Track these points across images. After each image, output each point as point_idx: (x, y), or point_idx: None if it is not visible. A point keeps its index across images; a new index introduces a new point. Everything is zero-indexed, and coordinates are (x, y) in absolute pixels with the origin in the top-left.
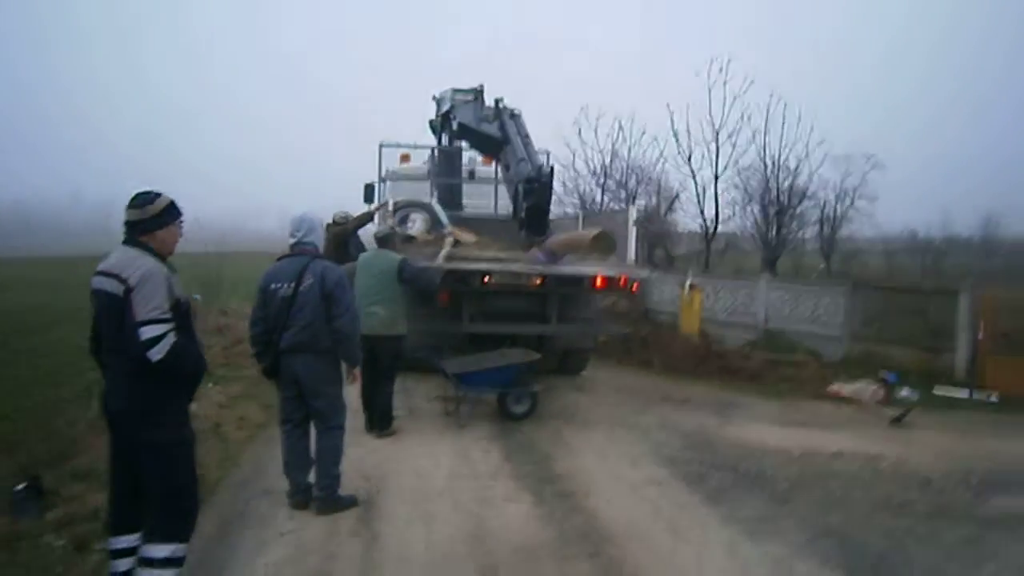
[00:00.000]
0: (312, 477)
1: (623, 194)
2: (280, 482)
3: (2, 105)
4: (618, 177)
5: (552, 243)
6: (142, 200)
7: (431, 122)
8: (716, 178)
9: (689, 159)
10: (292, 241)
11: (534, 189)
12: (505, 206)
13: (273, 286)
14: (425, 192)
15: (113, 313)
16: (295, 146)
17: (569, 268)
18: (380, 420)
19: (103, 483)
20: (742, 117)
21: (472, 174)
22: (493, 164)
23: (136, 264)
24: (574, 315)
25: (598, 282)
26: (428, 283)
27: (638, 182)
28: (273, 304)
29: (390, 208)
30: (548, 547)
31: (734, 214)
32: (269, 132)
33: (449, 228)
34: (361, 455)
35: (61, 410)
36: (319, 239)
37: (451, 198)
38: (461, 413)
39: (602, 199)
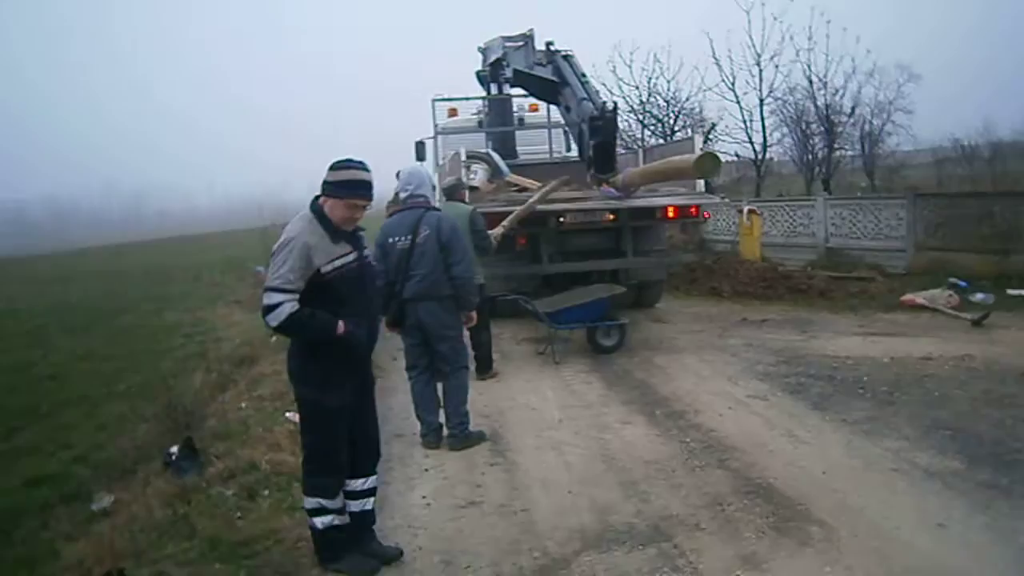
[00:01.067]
0: (442, 417)
1: (662, 128)
2: (407, 425)
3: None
4: (656, 112)
5: (628, 176)
6: (336, 163)
7: (478, 73)
8: (761, 102)
9: (733, 85)
10: (404, 195)
11: (599, 127)
12: (559, 150)
13: (391, 240)
14: (477, 144)
15: None
16: (341, 113)
17: (642, 201)
18: (480, 364)
19: (243, 440)
20: (783, 39)
21: (521, 121)
22: (541, 110)
23: (288, 228)
24: (647, 247)
25: (670, 212)
26: (487, 245)
27: (677, 114)
28: (392, 257)
29: (462, 158)
30: (676, 459)
31: (778, 138)
32: (314, 95)
33: (509, 175)
34: (472, 397)
35: (172, 384)
36: (430, 192)
37: (505, 147)
38: (554, 351)
39: (642, 134)
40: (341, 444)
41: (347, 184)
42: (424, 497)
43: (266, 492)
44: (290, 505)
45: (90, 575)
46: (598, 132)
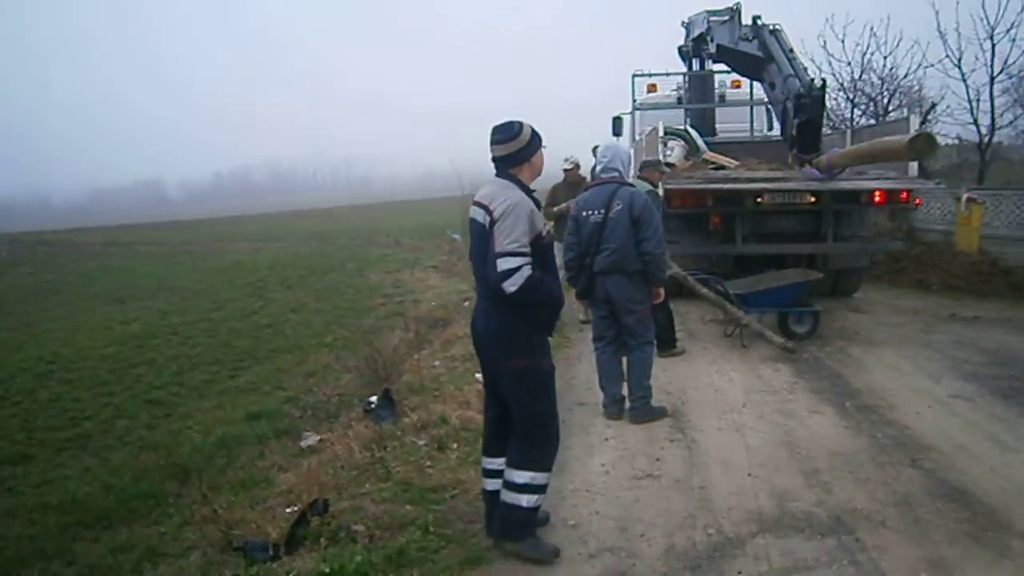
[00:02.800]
0: (624, 390)
1: (873, 108)
2: (589, 395)
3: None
4: (869, 90)
5: (833, 157)
6: (506, 134)
7: (680, 48)
8: (992, 80)
9: (959, 61)
10: (599, 169)
11: (805, 105)
12: (759, 128)
13: (585, 213)
14: (675, 120)
15: (480, 241)
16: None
17: (847, 183)
18: (662, 341)
19: (435, 396)
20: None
21: (722, 98)
22: (743, 86)
23: (503, 196)
24: (849, 233)
25: (877, 197)
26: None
27: (892, 93)
28: (585, 230)
29: (660, 134)
30: (865, 454)
31: (1009, 120)
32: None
33: (707, 153)
34: (655, 373)
35: (373, 339)
36: (624, 167)
37: (704, 123)
38: (742, 333)
39: (852, 114)
40: (556, 412)
41: (534, 137)
42: (603, 465)
43: (455, 445)
44: (475, 459)
45: (299, 501)
46: (804, 110)
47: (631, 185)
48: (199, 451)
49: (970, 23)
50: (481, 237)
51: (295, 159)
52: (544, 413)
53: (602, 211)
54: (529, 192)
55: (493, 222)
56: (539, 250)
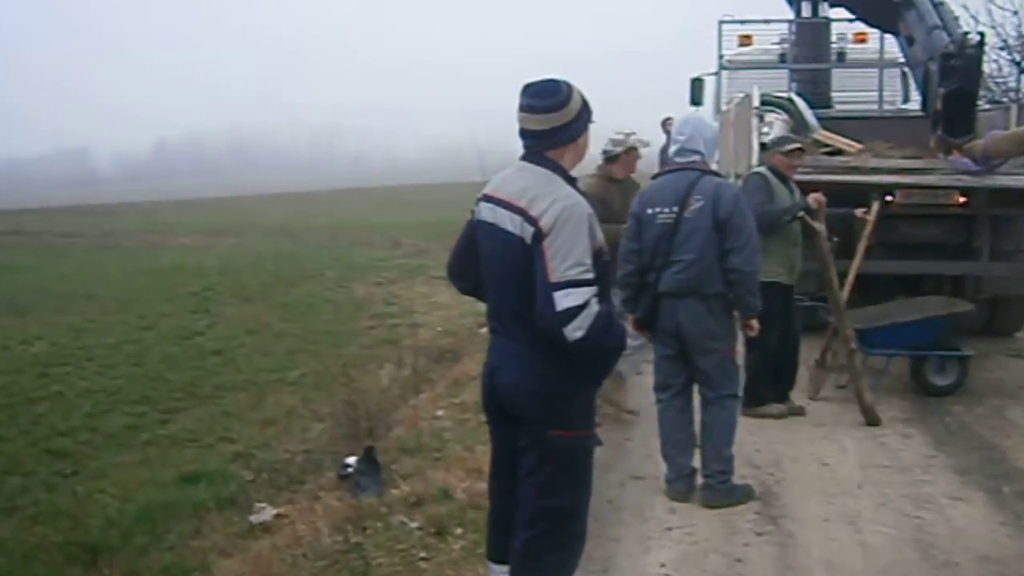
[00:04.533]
0: (697, 460)
1: None
2: (649, 465)
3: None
4: None
5: (993, 142)
6: (549, 99)
7: None
8: None
9: None
10: (673, 150)
11: (955, 68)
12: (893, 99)
13: (650, 211)
14: (777, 85)
15: (512, 261)
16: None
17: (1010, 179)
18: (751, 394)
19: (436, 459)
20: None
21: (841, 56)
22: (870, 41)
23: (550, 195)
24: (1012, 248)
25: None
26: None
27: None
28: (650, 234)
29: (754, 104)
30: None
31: None
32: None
33: (818, 132)
34: (740, 437)
35: (355, 376)
36: (709, 147)
37: (816, 91)
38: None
39: (1018, 83)
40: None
41: (587, 106)
42: (663, 566)
43: (459, 530)
44: None
45: None
46: (952, 75)
47: (716, 174)
48: (114, 524)
49: None
50: (514, 256)
51: (262, 127)
52: (575, 508)
53: (675, 209)
54: (575, 185)
55: (541, 236)
56: (600, 273)
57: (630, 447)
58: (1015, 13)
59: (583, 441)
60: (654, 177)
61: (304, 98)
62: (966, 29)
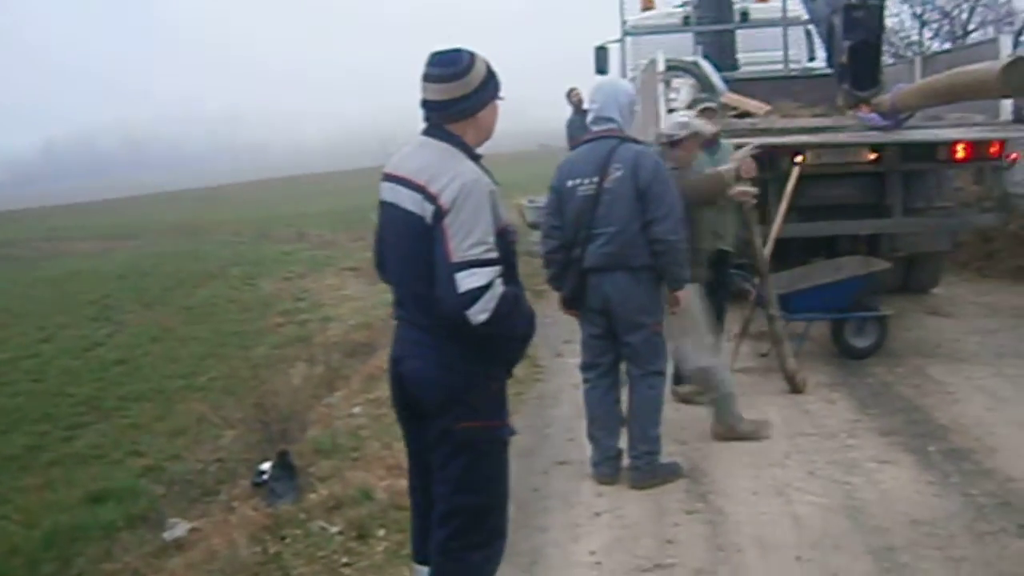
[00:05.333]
0: (623, 441)
1: (949, 27)
2: (573, 450)
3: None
4: (942, 2)
5: (900, 95)
6: (450, 67)
7: None
8: None
9: None
10: (590, 118)
11: (858, 20)
12: (798, 57)
13: (570, 183)
14: (681, 49)
15: (413, 242)
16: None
17: (919, 133)
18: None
19: (354, 459)
20: None
21: (744, 16)
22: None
23: (451, 170)
24: (924, 203)
25: (960, 152)
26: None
27: (972, 8)
28: (571, 207)
29: (658, 69)
30: (957, 520)
31: None
32: None
33: (726, 94)
34: (666, 412)
35: (266, 377)
36: (624, 113)
37: (721, 53)
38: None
39: (921, 36)
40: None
41: (492, 75)
42: (593, 553)
43: (382, 532)
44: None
45: None
46: (856, 28)
47: (636, 141)
48: (18, 552)
49: None
50: (415, 236)
51: (156, 120)
52: (491, 503)
53: (595, 179)
54: (479, 162)
55: (441, 214)
56: (505, 251)
57: (552, 433)
58: None
59: (495, 432)
60: (573, 147)
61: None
62: None
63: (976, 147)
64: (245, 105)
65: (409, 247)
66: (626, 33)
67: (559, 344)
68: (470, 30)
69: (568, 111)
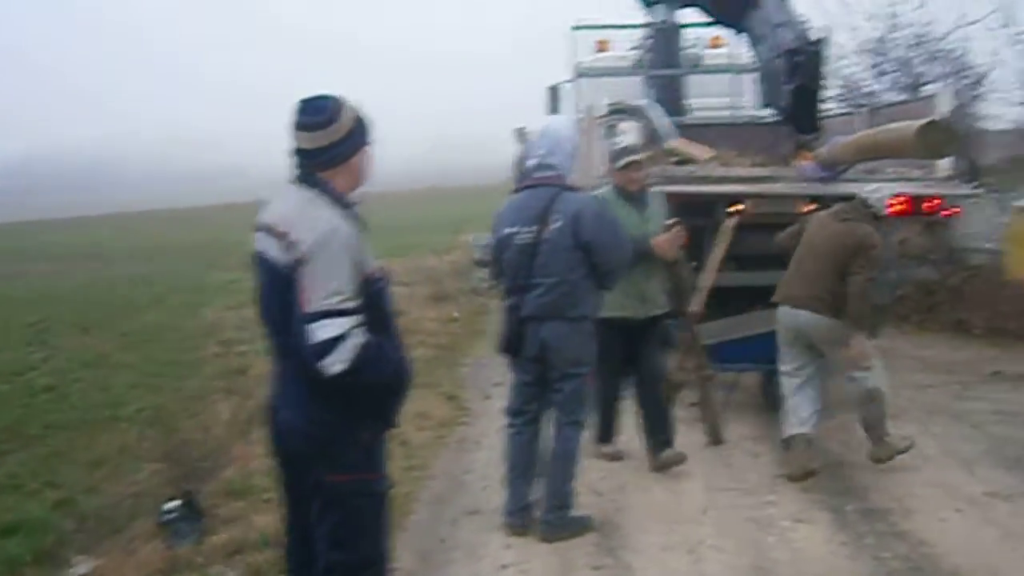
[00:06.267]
0: (538, 491)
1: (904, 79)
2: (486, 499)
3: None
4: (899, 55)
5: (836, 149)
6: (321, 114)
7: None
8: None
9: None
10: (531, 164)
11: (800, 64)
12: (748, 104)
13: (507, 231)
14: (632, 91)
15: (277, 290)
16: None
17: (856, 186)
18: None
19: (264, 501)
20: None
21: (697, 62)
22: (726, 46)
23: (312, 219)
24: None
25: (897, 206)
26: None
27: (929, 59)
28: (510, 256)
29: (601, 112)
30: None
31: None
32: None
33: (672, 140)
34: (586, 462)
35: (195, 410)
36: (567, 160)
37: (671, 97)
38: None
39: (876, 86)
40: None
41: (361, 124)
42: None
43: None
44: None
45: None
46: (797, 72)
47: (576, 190)
48: None
49: None
50: (277, 283)
51: (139, 139)
52: (367, 558)
53: (534, 228)
54: (348, 208)
55: (298, 262)
56: (370, 300)
57: (468, 480)
58: (871, 18)
59: (369, 485)
60: (512, 192)
61: (183, 115)
62: (810, 25)
63: (913, 202)
64: (225, 128)
65: (275, 296)
66: (579, 74)
67: (489, 386)
68: (445, 69)
69: (517, 150)
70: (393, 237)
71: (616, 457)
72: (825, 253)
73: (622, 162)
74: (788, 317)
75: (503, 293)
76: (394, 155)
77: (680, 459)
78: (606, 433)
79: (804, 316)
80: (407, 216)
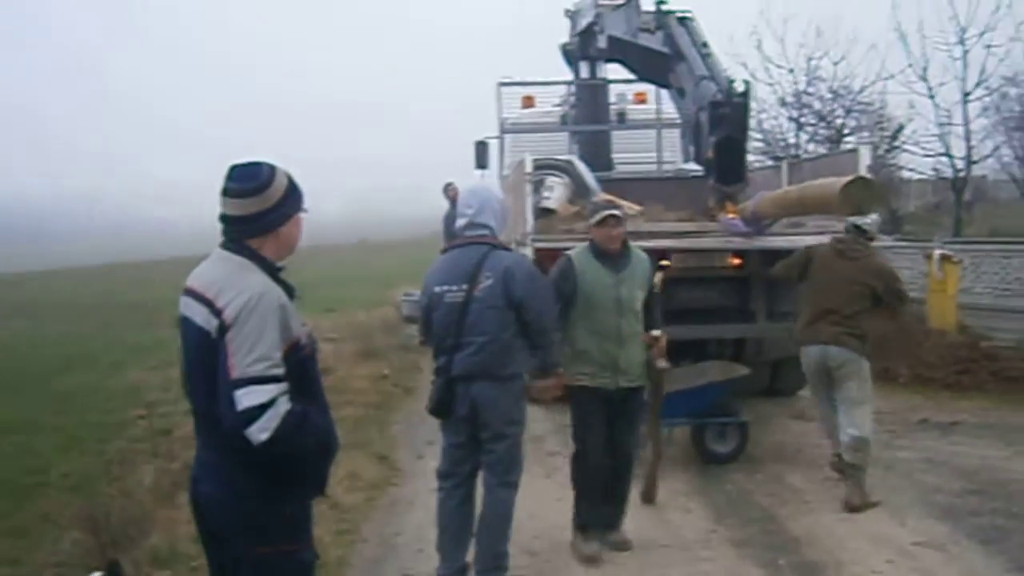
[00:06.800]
0: (471, 555)
1: (824, 131)
2: (420, 562)
3: None
4: (819, 107)
5: (760, 203)
6: (253, 181)
7: (564, 47)
8: (965, 97)
9: (924, 72)
10: (461, 223)
11: (723, 116)
12: (673, 159)
13: (438, 289)
14: (560, 146)
15: (201, 357)
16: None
17: (781, 239)
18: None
19: (193, 569)
20: (998, 7)
21: (622, 117)
22: (650, 102)
23: (238, 284)
24: (788, 308)
25: None
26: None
27: (848, 111)
28: (439, 314)
29: (527, 169)
30: None
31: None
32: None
33: (598, 195)
34: (521, 520)
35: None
36: (497, 219)
37: (596, 152)
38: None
39: (797, 138)
40: None
41: (293, 191)
42: None
43: None
44: None
45: None
46: (722, 123)
47: (507, 249)
48: None
49: (937, 23)
50: (204, 352)
51: (102, 189)
52: None
53: (464, 287)
54: (276, 274)
55: (224, 328)
56: (297, 367)
57: (400, 543)
58: (791, 71)
59: (292, 557)
60: (443, 251)
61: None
62: (733, 78)
63: None
64: (199, 178)
65: (199, 363)
66: (504, 130)
67: (421, 445)
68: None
69: (445, 206)
70: (322, 291)
71: (624, 547)
72: (849, 295)
73: (597, 217)
74: (818, 354)
75: (433, 353)
76: (324, 208)
77: (626, 547)
78: (610, 518)
79: (834, 351)
80: (336, 271)
